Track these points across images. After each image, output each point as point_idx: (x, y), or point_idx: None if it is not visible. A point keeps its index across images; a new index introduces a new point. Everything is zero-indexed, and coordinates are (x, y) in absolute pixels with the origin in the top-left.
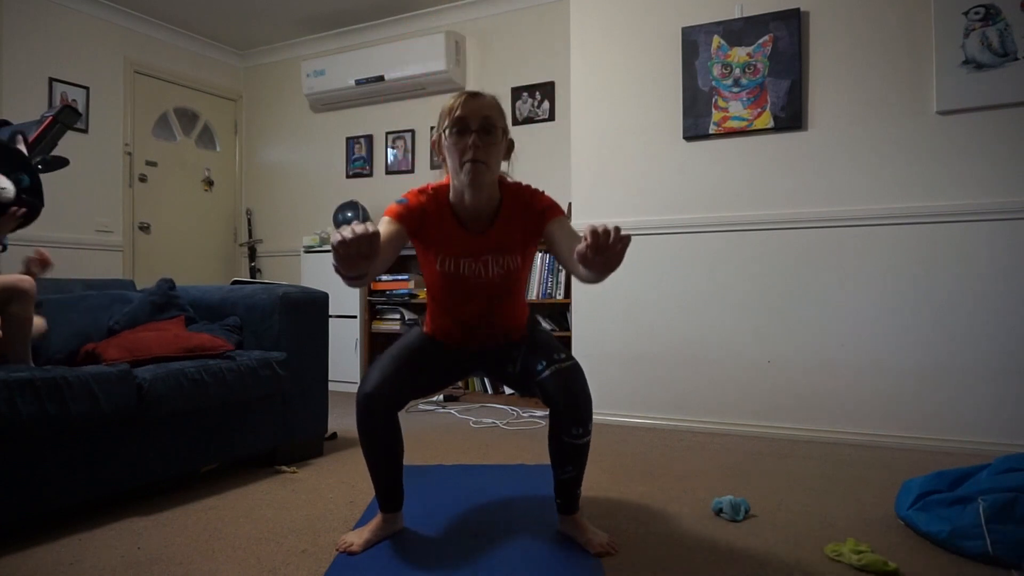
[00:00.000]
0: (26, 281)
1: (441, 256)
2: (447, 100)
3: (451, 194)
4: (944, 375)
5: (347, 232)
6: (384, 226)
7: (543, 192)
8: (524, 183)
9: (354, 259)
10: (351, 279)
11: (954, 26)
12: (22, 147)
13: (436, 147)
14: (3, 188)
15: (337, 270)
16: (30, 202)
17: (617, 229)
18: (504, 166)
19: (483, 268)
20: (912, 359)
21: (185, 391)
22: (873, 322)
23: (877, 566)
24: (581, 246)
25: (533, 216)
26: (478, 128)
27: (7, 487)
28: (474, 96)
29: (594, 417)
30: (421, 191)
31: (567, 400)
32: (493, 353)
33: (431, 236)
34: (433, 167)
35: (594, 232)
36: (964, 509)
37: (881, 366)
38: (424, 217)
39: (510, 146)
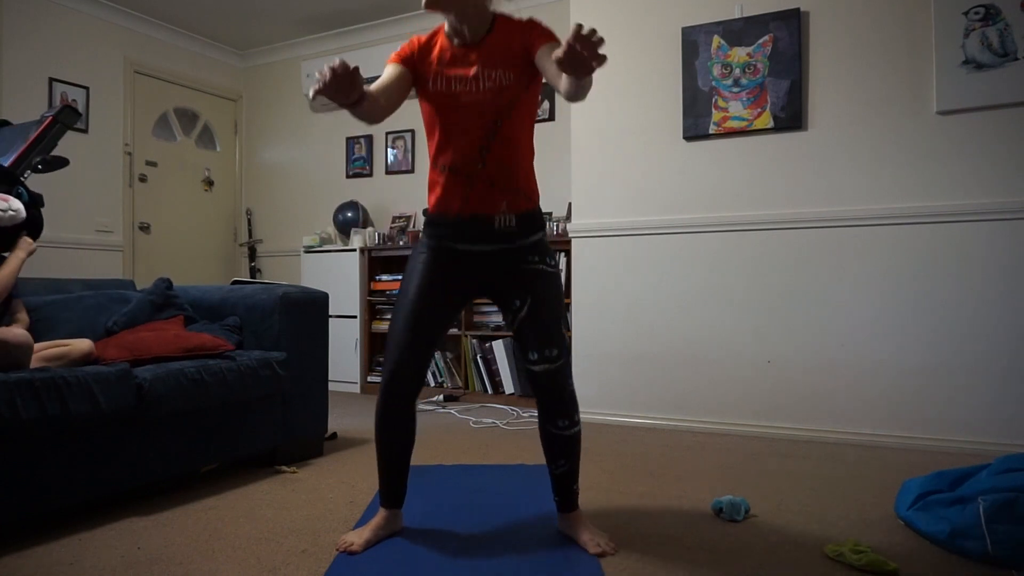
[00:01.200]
0: (20, 336)
1: (432, 78)
2: None
3: (446, 27)
4: (944, 375)
5: (325, 73)
6: (387, 70)
7: (540, 21)
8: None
9: (342, 92)
10: (350, 107)
11: (954, 26)
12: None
13: None
14: (16, 210)
15: (336, 101)
16: (35, 216)
17: (598, 39)
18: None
19: (474, 83)
20: (912, 359)
21: (185, 391)
22: (873, 322)
23: (877, 566)
24: (559, 51)
25: (528, 37)
26: None
27: (7, 487)
28: None
29: (594, 417)
30: (416, 37)
31: (550, 398)
32: (501, 235)
33: (425, 64)
34: None
35: (577, 31)
36: (964, 509)
37: (881, 366)
38: (420, 48)
39: None
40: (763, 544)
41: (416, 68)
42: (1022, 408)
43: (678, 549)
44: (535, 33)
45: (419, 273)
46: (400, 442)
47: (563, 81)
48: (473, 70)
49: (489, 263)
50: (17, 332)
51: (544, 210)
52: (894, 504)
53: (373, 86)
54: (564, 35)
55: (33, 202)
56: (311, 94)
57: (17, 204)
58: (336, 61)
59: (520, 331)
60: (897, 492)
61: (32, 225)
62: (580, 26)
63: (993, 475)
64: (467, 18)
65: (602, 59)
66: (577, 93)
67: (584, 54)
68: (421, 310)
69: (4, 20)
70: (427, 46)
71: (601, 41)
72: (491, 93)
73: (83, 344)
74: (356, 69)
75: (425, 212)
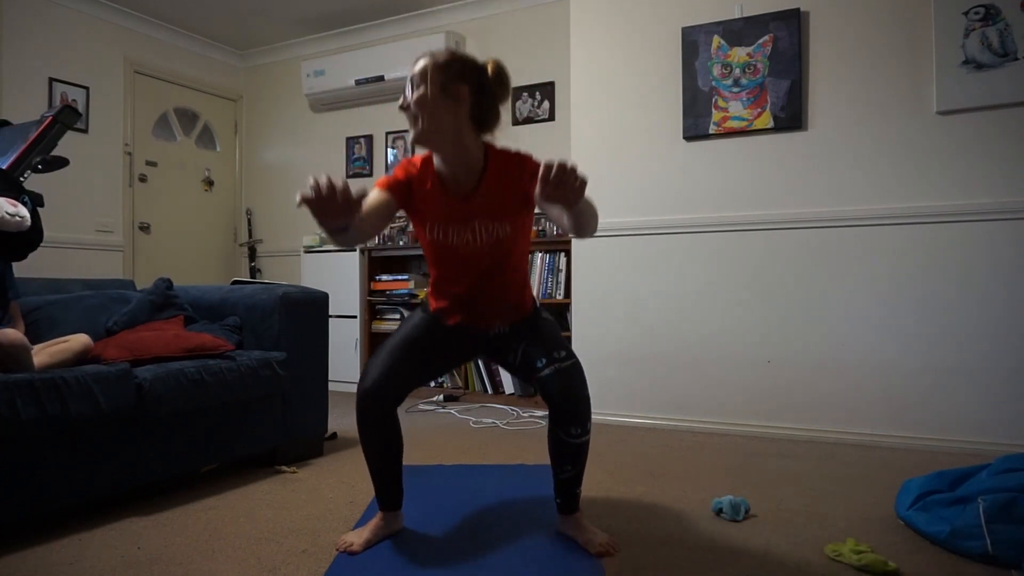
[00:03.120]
0: (14, 336)
1: (429, 224)
2: None
3: (435, 161)
4: (944, 375)
5: (313, 185)
6: (373, 194)
7: (531, 156)
8: (514, 149)
9: (330, 214)
10: (333, 232)
11: (954, 26)
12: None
13: None
14: (24, 216)
15: (319, 222)
16: (38, 225)
17: (570, 170)
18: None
19: (471, 236)
20: (912, 359)
21: (185, 391)
22: (873, 322)
23: (877, 566)
24: (537, 188)
25: (523, 181)
26: (412, 82)
27: (7, 487)
28: (421, 57)
29: (594, 417)
30: (410, 161)
31: (565, 401)
32: (495, 338)
33: (419, 205)
34: None
35: (545, 171)
36: (964, 509)
37: (881, 366)
38: (411, 186)
39: (474, 100)
40: (763, 544)
41: (408, 203)
42: (1022, 408)
43: (678, 549)
44: (528, 177)
45: (415, 327)
46: (386, 449)
47: (563, 219)
48: (470, 224)
49: (484, 341)
50: (10, 333)
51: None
52: (894, 504)
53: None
54: (564, 36)
55: (35, 212)
56: (298, 198)
57: (24, 211)
58: (338, 182)
59: (524, 359)
60: (897, 492)
61: (36, 234)
62: (548, 169)
63: (993, 475)
64: (458, 160)
65: (582, 187)
66: (580, 227)
67: (561, 190)
68: (413, 350)
69: (4, 20)
70: (420, 183)
71: (573, 174)
72: (488, 246)
73: (81, 338)
74: (353, 201)
75: (424, 302)
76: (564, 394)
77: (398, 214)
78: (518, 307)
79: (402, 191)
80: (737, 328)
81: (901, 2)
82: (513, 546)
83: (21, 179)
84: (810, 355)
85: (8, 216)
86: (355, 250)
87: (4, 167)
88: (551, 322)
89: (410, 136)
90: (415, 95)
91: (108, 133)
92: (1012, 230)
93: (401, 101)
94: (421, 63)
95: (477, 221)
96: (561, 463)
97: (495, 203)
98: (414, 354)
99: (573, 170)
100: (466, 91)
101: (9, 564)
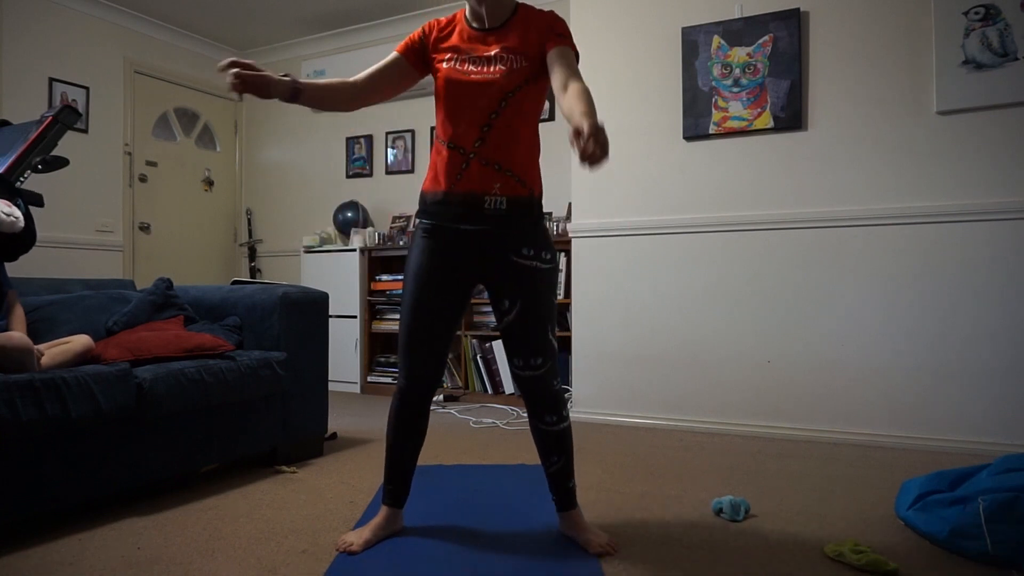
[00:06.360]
0: (19, 339)
1: (449, 55)
2: None
3: (467, 9)
4: (944, 375)
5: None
6: (386, 58)
7: (559, 17)
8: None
9: (253, 90)
10: (289, 101)
11: (954, 26)
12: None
13: None
14: (17, 217)
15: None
16: (31, 229)
17: (599, 132)
18: None
19: (487, 63)
20: (912, 359)
21: (185, 391)
22: (873, 322)
23: (877, 566)
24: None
25: (546, 34)
26: None
27: (7, 487)
28: None
29: (594, 417)
30: (435, 20)
31: (535, 399)
32: (495, 228)
33: (440, 45)
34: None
35: (577, 141)
36: (964, 509)
37: (881, 366)
38: (431, 36)
39: None
40: (763, 544)
41: (427, 52)
42: (1022, 408)
43: (678, 549)
44: (552, 32)
45: (416, 264)
46: (412, 442)
47: (562, 100)
48: (487, 51)
49: (483, 245)
50: (15, 336)
51: (544, 210)
52: (894, 504)
53: (365, 71)
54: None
55: (28, 215)
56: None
57: (19, 213)
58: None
59: (507, 333)
60: (897, 492)
61: (28, 236)
62: (579, 133)
63: (993, 475)
64: (489, 3)
65: (606, 153)
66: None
67: (595, 154)
68: (425, 305)
69: (4, 20)
70: (444, 29)
71: (602, 148)
72: (502, 73)
73: (82, 339)
74: (258, 77)
75: (416, 226)
76: (534, 393)
77: (398, 218)
78: (520, 176)
79: (416, 48)
80: (737, 328)
81: (901, 2)
82: (513, 546)
83: (20, 180)
84: (810, 355)
85: (3, 216)
86: (355, 250)
87: (4, 168)
88: (549, 291)
89: None
90: None
91: (108, 133)
92: (1012, 230)
93: None
94: None
95: (496, 49)
96: (547, 454)
97: (517, 39)
98: (430, 314)
99: (602, 141)
100: None
101: (9, 564)
